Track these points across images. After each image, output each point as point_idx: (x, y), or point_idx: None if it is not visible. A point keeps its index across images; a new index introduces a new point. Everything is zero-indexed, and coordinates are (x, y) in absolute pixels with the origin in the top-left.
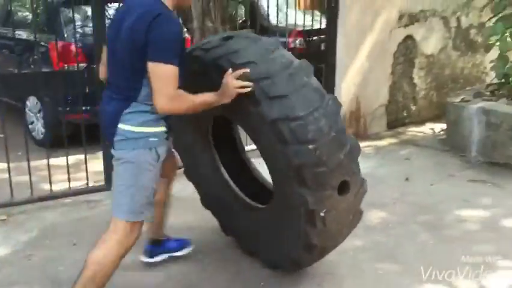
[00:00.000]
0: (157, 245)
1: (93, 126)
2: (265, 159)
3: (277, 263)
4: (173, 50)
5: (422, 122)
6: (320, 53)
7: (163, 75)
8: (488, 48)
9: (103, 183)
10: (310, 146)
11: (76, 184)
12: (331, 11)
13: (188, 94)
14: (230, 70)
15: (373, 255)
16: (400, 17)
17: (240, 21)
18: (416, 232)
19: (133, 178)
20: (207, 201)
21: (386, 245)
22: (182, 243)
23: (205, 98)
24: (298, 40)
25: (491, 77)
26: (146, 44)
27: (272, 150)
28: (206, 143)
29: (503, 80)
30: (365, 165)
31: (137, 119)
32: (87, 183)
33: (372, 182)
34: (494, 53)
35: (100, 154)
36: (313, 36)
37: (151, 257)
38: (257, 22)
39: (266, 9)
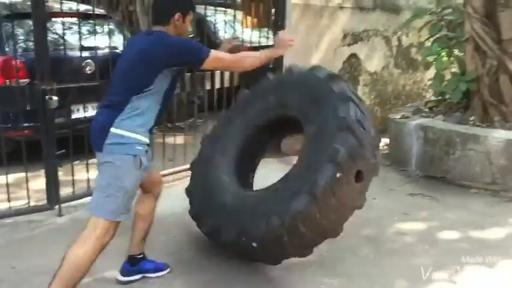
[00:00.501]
0: (133, 264)
1: (34, 143)
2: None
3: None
4: (195, 46)
5: None
6: (268, 70)
7: (216, 63)
8: (427, 66)
9: (45, 202)
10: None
11: (16, 203)
12: (277, 30)
13: (247, 53)
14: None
15: (316, 269)
16: (344, 36)
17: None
18: (359, 245)
19: (117, 180)
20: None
21: (329, 258)
22: (158, 266)
23: (266, 52)
24: None
25: (431, 93)
26: (169, 59)
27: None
28: None
29: (440, 97)
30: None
31: (130, 124)
32: (28, 203)
33: None
34: (433, 71)
35: (42, 172)
36: None
37: (126, 275)
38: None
39: (214, 25)
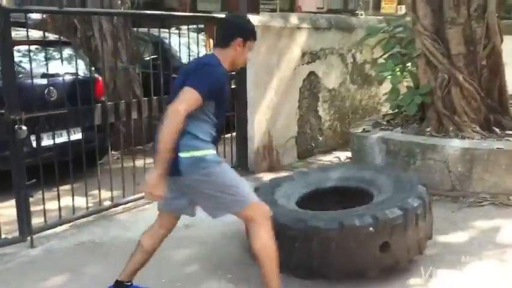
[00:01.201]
0: None
1: (3, 173)
2: None
3: None
4: (208, 85)
5: (328, 151)
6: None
7: (187, 95)
8: (380, 81)
9: (17, 234)
10: None
11: None
12: None
13: (179, 127)
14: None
15: None
16: (303, 55)
17: (149, 59)
18: None
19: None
20: None
21: None
22: None
23: (163, 147)
24: None
25: (386, 107)
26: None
27: None
28: None
29: (396, 110)
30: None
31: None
32: (0, 236)
33: None
34: (386, 85)
35: (10, 203)
36: None
37: None
38: (167, 61)
39: (176, 48)
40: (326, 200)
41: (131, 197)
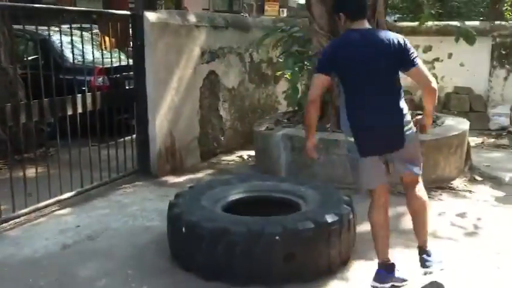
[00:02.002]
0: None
1: None
2: None
3: None
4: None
5: (230, 151)
6: (128, 90)
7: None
8: (277, 80)
9: None
10: None
11: None
12: (137, 49)
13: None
14: None
15: None
16: (202, 54)
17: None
18: None
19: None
20: None
21: None
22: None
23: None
24: (101, 78)
25: (283, 106)
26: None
27: None
28: None
29: (296, 108)
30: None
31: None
32: None
33: None
34: (283, 84)
35: None
36: (120, 74)
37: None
38: (51, 60)
39: (60, 46)
40: (258, 207)
41: (23, 211)
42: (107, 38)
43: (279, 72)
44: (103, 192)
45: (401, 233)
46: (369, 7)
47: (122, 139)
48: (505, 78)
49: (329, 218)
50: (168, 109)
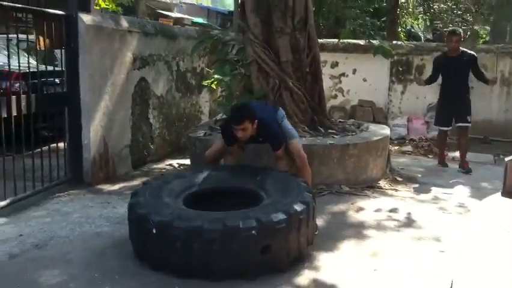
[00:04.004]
0: None
1: None
2: None
3: None
4: None
5: (160, 160)
6: (58, 95)
7: None
8: (200, 90)
9: None
10: None
11: None
12: (70, 51)
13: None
14: None
15: None
16: (134, 60)
17: None
18: None
19: None
20: None
21: None
22: None
23: None
24: (18, 84)
25: (206, 116)
26: None
27: None
28: None
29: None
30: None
31: None
32: None
33: None
34: (204, 95)
35: None
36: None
37: None
38: None
39: None
40: (218, 200)
41: None
42: (41, 38)
43: (208, 81)
44: (36, 202)
45: (349, 227)
46: (302, 19)
47: (49, 146)
48: (402, 93)
49: (298, 207)
50: (102, 115)
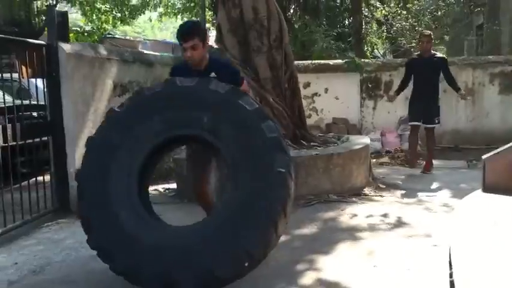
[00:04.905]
0: None
1: None
2: None
3: None
4: None
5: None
6: (41, 124)
7: None
8: None
9: None
10: None
11: None
12: (53, 80)
13: None
14: None
15: None
16: (115, 87)
17: None
18: None
19: None
20: None
21: None
22: None
23: None
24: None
25: None
26: None
27: None
28: None
29: None
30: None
31: None
32: None
33: None
34: None
35: None
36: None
37: None
38: None
39: None
40: None
41: None
42: (23, 67)
43: None
44: (26, 232)
45: (343, 231)
46: (277, 38)
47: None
48: (374, 108)
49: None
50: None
